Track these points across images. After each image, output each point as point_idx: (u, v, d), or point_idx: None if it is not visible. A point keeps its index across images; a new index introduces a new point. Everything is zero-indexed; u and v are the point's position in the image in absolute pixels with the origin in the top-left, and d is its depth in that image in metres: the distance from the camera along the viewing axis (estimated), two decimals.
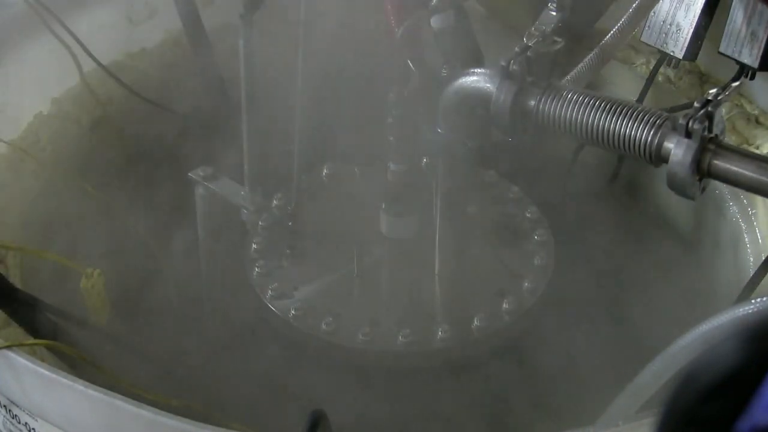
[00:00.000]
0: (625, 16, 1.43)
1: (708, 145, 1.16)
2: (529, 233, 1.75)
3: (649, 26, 1.77)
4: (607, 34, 1.44)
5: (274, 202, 1.78)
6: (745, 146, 1.74)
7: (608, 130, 1.22)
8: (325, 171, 1.88)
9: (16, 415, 1.26)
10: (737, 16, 1.63)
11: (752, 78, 1.65)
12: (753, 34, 1.61)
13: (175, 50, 2.06)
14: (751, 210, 1.73)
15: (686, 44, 1.72)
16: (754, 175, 1.14)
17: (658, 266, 1.82)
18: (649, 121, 1.20)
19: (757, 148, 1.73)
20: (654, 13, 1.74)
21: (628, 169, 1.93)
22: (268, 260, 1.69)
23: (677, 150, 1.16)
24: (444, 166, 1.51)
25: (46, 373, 1.17)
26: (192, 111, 1.94)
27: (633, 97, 1.84)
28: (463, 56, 1.68)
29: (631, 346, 1.58)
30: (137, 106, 1.96)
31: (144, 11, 2.03)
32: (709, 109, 1.16)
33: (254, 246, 1.72)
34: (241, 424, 1.31)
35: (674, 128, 1.18)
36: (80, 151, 1.91)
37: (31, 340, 1.33)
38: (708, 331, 1.16)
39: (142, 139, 1.96)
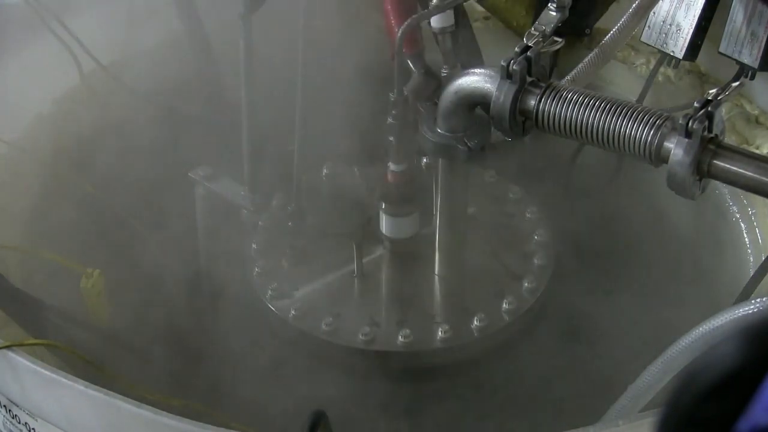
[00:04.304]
0: (625, 16, 1.43)
1: (708, 145, 1.16)
2: (529, 233, 1.75)
3: (649, 26, 1.77)
4: (607, 34, 1.44)
5: (274, 202, 1.78)
6: (745, 146, 1.74)
7: (608, 130, 1.22)
8: (325, 171, 1.88)
9: (16, 415, 1.26)
10: (737, 16, 1.63)
11: (752, 78, 1.65)
12: (753, 34, 1.61)
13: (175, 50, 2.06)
14: (751, 210, 1.73)
15: (686, 44, 1.72)
16: (754, 175, 1.14)
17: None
18: (649, 121, 1.20)
19: (757, 148, 1.73)
20: (654, 13, 1.74)
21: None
22: (268, 260, 1.69)
23: (677, 150, 1.16)
24: (444, 166, 1.51)
25: (46, 373, 1.17)
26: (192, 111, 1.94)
27: (633, 97, 1.84)
28: (463, 56, 1.68)
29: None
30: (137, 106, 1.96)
31: (144, 11, 2.03)
32: (709, 109, 1.16)
33: (254, 246, 1.71)
34: (241, 423, 1.31)
35: (674, 128, 1.18)
36: (80, 151, 1.91)
37: (31, 340, 1.33)
38: (708, 332, 1.16)
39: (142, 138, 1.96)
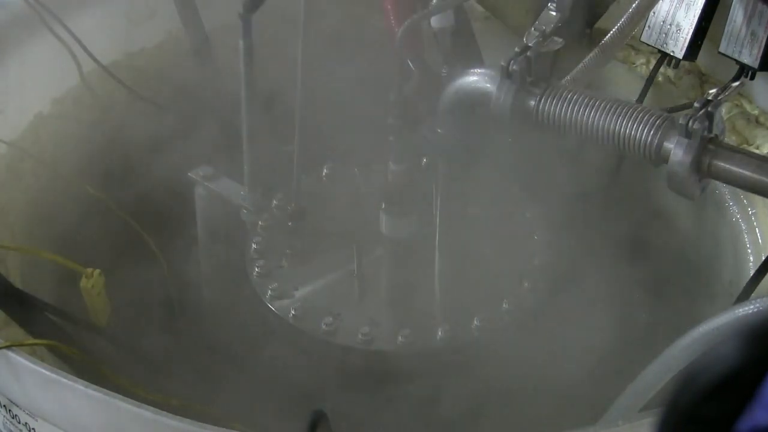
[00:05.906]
0: (625, 16, 1.43)
1: (708, 145, 1.16)
2: (529, 233, 1.75)
3: (649, 26, 1.77)
4: (607, 34, 1.44)
5: (274, 202, 1.78)
6: (745, 146, 1.74)
7: (608, 130, 1.22)
8: (325, 171, 1.88)
9: (16, 415, 1.26)
10: (737, 16, 1.63)
11: (752, 78, 1.65)
12: (753, 34, 1.61)
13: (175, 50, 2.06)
14: (751, 210, 1.73)
15: (686, 44, 1.72)
16: (754, 175, 1.14)
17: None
18: (649, 121, 1.20)
19: (757, 148, 1.73)
20: (654, 13, 1.74)
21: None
22: (268, 260, 1.69)
23: (677, 150, 1.16)
24: (444, 166, 1.51)
25: (46, 373, 1.17)
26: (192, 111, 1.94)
27: (633, 97, 1.84)
28: (463, 56, 1.68)
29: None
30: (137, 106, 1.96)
31: (144, 11, 2.03)
32: (709, 109, 1.16)
33: (254, 246, 1.71)
34: (241, 424, 1.31)
35: (674, 128, 1.18)
36: (80, 151, 1.91)
37: (31, 340, 1.33)
38: (708, 332, 1.16)
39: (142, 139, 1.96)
